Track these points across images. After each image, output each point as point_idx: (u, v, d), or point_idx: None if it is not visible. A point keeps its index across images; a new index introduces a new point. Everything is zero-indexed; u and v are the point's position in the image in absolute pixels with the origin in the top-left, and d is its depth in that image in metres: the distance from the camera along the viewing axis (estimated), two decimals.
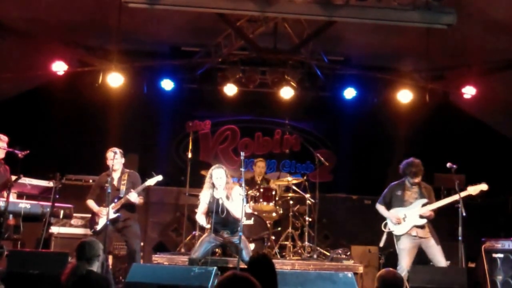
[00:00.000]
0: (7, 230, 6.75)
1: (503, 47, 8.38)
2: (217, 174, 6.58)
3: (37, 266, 5.60)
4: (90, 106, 9.88)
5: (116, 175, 7.03)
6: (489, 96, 9.18)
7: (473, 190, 6.62)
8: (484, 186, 6.62)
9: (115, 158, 6.89)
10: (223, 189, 6.55)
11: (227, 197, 6.54)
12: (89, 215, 7.91)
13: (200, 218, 6.71)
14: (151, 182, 6.92)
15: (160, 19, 8.45)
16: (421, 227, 6.71)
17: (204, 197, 6.70)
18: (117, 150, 6.96)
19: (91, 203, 6.96)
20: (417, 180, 6.77)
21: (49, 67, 8.74)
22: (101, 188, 6.92)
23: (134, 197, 6.82)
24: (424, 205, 6.72)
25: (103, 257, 5.21)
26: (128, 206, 6.92)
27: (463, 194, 6.59)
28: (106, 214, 6.73)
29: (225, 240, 6.64)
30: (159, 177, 6.97)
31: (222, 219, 6.54)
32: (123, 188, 6.96)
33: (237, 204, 6.45)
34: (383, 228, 6.95)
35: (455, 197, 6.57)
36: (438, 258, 6.68)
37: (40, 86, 9.88)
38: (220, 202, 6.51)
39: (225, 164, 10.37)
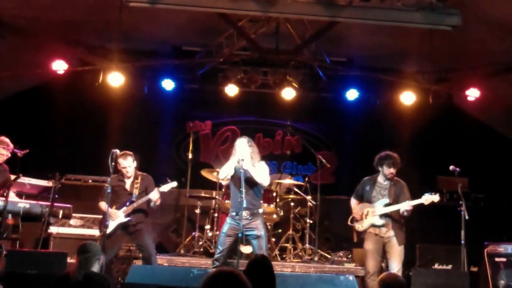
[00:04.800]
0: (6, 230, 6.71)
1: (508, 49, 8.33)
2: (240, 144, 6.35)
3: (35, 266, 5.61)
4: (90, 106, 9.83)
5: (128, 180, 6.91)
6: (493, 99, 9.12)
7: (425, 199, 6.45)
8: (436, 198, 6.44)
9: (128, 166, 6.79)
10: (248, 160, 6.25)
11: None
12: (89, 216, 7.92)
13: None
14: (165, 188, 6.80)
15: (161, 19, 8.40)
16: (383, 226, 6.57)
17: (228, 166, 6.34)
18: (130, 157, 6.80)
19: (104, 205, 6.70)
20: (393, 170, 6.64)
21: (49, 66, 8.68)
22: (112, 190, 6.70)
23: (155, 196, 6.68)
24: (386, 205, 6.58)
25: (103, 259, 5.15)
26: (140, 211, 6.77)
27: (416, 201, 6.47)
28: (117, 216, 6.68)
29: (243, 228, 6.19)
30: (174, 184, 6.86)
31: (243, 193, 6.10)
32: (135, 192, 6.81)
33: (261, 170, 6.30)
34: (349, 223, 6.90)
35: (412, 203, 6.46)
36: (392, 260, 6.51)
37: (40, 85, 9.83)
38: (243, 172, 6.15)
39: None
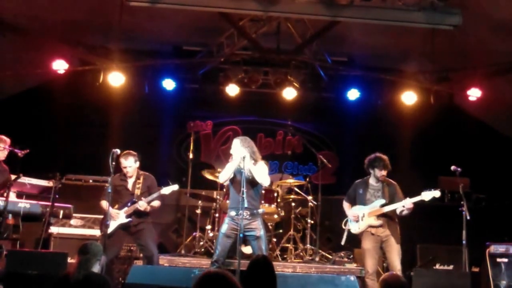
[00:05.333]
0: (6, 230, 6.70)
1: (509, 49, 8.31)
2: (235, 144, 6.30)
3: (36, 266, 5.59)
4: (90, 106, 9.82)
5: (130, 179, 6.89)
6: (495, 98, 9.11)
7: (425, 195, 6.46)
8: (437, 193, 6.46)
9: (128, 166, 6.77)
10: (248, 159, 6.20)
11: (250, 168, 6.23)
12: (90, 216, 7.91)
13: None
14: (166, 191, 6.78)
15: (162, 18, 8.40)
16: (380, 226, 6.61)
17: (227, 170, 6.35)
18: (131, 157, 6.80)
19: (105, 204, 6.61)
20: (384, 172, 6.68)
21: (50, 65, 8.68)
22: (114, 189, 6.70)
23: (143, 206, 6.66)
24: (383, 205, 6.61)
25: (104, 260, 5.13)
26: (141, 211, 6.72)
27: (415, 198, 6.49)
28: (118, 217, 6.66)
29: (244, 227, 6.13)
30: (175, 186, 6.85)
31: (244, 192, 6.00)
32: (137, 192, 6.81)
33: (261, 169, 6.27)
34: (343, 226, 6.91)
35: (413, 199, 6.48)
36: (393, 259, 6.54)
37: (41, 84, 9.82)
38: (244, 172, 6.07)
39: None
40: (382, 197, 6.66)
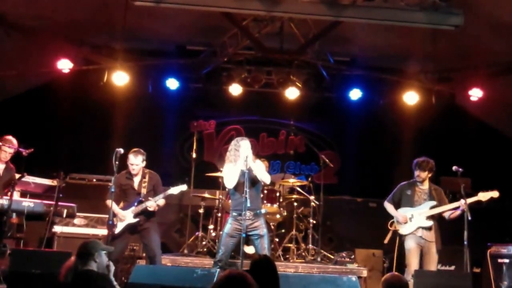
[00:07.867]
0: (10, 229, 6.68)
1: (511, 49, 8.31)
2: (245, 145, 6.28)
3: (39, 265, 5.59)
4: (95, 105, 9.86)
5: (136, 178, 6.86)
6: (496, 99, 9.12)
7: (483, 196, 6.54)
8: (495, 193, 6.54)
9: (136, 164, 6.71)
10: (251, 158, 6.20)
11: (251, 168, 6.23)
12: (93, 215, 7.93)
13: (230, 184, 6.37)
14: (174, 191, 6.75)
15: (165, 18, 8.43)
16: (428, 229, 6.66)
17: (229, 170, 6.32)
18: (141, 156, 6.74)
19: (111, 203, 6.56)
20: (419, 174, 6.72)
21: (55, 65, 8.73)
22: (120, 188, 6.73)
23: (152, 206, 6.65)
24: (432, 207, 6.67)
25: (103, 258, 5.11)
26: (147, 210, 6.70)
27: (472, 199, 6.55)
28: (126, 217, 6.65)
29: (246, 228, 6.14)
30: (184, 187, 6.83)
31: (247, 193, 6.03)
32: (143, 191, 6.76)
33: (261, 167, 6.31)
34: (389, 227, 6.92)
35: (463, 201, 6.51)
36: (430, 266, 6.62)
37: (45, 84, 9.85)
38: (247, 172, 6.07)
39: None
40: (430, 199, 6.72)
